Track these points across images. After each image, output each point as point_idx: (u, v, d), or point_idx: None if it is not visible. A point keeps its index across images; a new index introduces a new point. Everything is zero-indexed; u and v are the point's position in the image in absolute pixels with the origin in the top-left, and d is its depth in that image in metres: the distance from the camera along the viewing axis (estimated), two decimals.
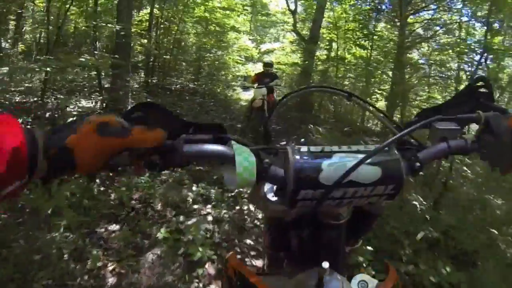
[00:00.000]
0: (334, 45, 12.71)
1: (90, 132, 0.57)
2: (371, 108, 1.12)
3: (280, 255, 1.02)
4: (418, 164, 0.74)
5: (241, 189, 4.15)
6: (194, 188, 4.39)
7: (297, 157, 0.68)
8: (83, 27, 8.21)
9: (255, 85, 7.34)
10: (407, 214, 3.91)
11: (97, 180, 4.06)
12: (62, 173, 0.58)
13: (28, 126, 0.75)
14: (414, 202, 4.12)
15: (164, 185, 4.39)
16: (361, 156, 0.67)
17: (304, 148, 0.70)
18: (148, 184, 4.21)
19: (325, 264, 0.74)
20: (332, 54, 12.86)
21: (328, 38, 13.11)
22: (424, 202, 4.23)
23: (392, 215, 3.80)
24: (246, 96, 16.94)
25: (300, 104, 11.14)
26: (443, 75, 9.74)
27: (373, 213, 0.95)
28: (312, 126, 8.63)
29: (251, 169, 0.67)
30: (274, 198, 0.80)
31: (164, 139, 0.65)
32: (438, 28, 10.19)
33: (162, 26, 10.94)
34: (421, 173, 0.76)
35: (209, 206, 4.09)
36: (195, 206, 4.01)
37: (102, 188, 4.00)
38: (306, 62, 11.66)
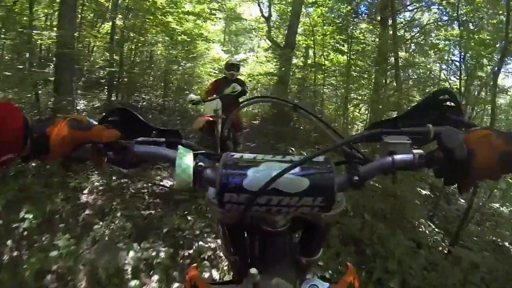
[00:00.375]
0: (311, 52, 12.02)
1: (63, 124, 0.74)
2: (315, 119, 1.12)
3: (236, 260, 0.99)
4: (356, 178, 0.74)
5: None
6: (135, 246, 3.37)
7: (228, 161, 0.75)
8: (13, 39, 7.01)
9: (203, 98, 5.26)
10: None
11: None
12: (40, 154, 0.73)
13: None
14: None
15: (95, 245, 3.33)
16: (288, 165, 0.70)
17: (237, 155, 0.78)
18: (69, 249, 3.16)
19: (253, 270, 0.78)
20: (309, 61, 12.12)
21: (304, 44, 12.47)
22: None
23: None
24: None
25: (276, 116, 10.41)
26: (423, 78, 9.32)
27: (318, 225, 0.91)
28: (290, 148, 7.93)
29: (188, 171, 0.75)
30: (214, 200, 0.79)
31: (117, 138, 0.79)
32: (415, 30, 9.95)
33: (126, 38, 10.03)
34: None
35: (155, 278, 3.09)
36: (133, 284, 2.98)
37: (15, 253, 3.10)
38: (283, 69, 10.88)
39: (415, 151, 0.76)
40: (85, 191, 4.28)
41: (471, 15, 7.50)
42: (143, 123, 0.90)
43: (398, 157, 0.76)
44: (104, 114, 0.90)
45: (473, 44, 6.78)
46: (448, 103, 0.89)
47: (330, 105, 11.22)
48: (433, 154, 0.74)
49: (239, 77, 6.03)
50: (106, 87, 9.88)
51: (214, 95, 5.15)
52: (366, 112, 10.43)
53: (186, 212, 4.08)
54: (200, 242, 3.56)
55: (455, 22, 8.20)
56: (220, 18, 10.75)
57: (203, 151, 0.84)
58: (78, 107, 7.51)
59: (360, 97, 10.21)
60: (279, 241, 0.90)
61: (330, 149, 0.77)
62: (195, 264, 1.12)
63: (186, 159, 0.76)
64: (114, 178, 4.68)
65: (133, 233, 3.61)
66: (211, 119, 4.84)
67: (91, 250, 3.28)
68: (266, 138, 9.19)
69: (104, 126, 0.79)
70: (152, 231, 3.68)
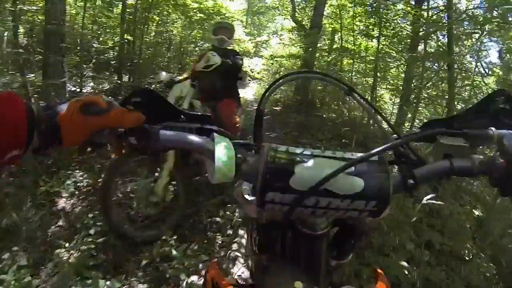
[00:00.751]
0: (337, 37, 11.21)
1: (75, 111, 0.66)
2: (370, 107, 0.98)
3: (264, 261, 0.86)
4: (411, 181, 0.70)
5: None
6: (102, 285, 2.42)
7: (271, 156, 0.67)
8: None
9: (178, 77, 3.84)
10: None
11: None
12: (51, 145, 0.66)
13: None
14: None
15: (55, 277, 2.44)
16: (342, 163, 0.64)
17: (282, 148, 0.70)
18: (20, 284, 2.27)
19: (298, 284, 0.72)
20: (335, 46, 11.29)
21: (331, 28, 11.64)
22: None
23: None
24: (242, 94, 15.68)
25: (299, 104, 9.69)
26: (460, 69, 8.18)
27: (358, 229, 0.83)
28: (317, 142, 7.03)
29: (230, 164, 0.67)
30: (250, 197, 0.78)
31: (141, 122, 0.72)
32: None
33: (139, 17, 9.34)
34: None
35: None
36: None
37: None
38: (310, 49, 10.05)
39: (474, 156, 0.72)
40: (65, 194, 3.59)
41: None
42: (170, 106, 0.82)
43: (457, 161, 0.72)
44: (126, 95, 0.79)
45: None
46: (503, 105, 0.80)
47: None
48: (494, 160, 0.69)
49: (232, 46, 4.49)
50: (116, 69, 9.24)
51: (185, 75, 3.82)
52: (394, 102, 9.61)
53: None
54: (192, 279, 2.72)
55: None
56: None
57: (241, 141, 0.76)
58: (80, 90, 6.90)
59: (389, 87, 9.38)
60: (316, 245, 0.80)
61: (387, 148, 0.68)
62: (215, 260, 1.03)
63: (227, 150, 0.68)
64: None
65: (106, 260, 2.79)
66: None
67: (48, 284, 2.40)
68: (288, 128, 8.39)
69: (126, 109, 0.73)
70: (127, 265, 2.79)
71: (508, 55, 6.70)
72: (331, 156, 0.68)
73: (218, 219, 3.62)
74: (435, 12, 8.61)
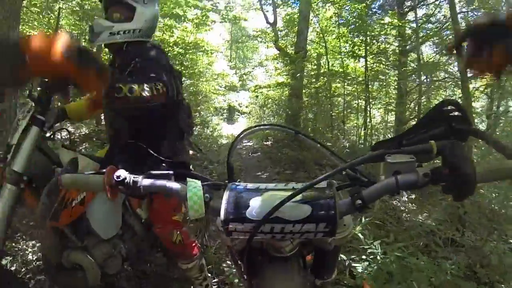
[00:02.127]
0: (324, 61, 10.89)
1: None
2: (316, 144, 1.16)
3: (250, 284, 1.02)
4: (359, 201, 0.75)
5: None
6: None
7: (232, 192, 0.81)
8: None
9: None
10: None
11: None
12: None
13: None
14: None
15: None
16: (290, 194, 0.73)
17: (241, 185, 0.84)
18: None
19: None
20: (322, 70, 11.00)
21: (316, 53, 11.40)
22: None
23: None
24: (231, 130, 15.33)
25: (292, 137, 9.24)
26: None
27: (324, 249, 0.95)
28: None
29: (200, 203, 0.80)
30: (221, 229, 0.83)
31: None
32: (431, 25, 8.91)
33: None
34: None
35: None
36: None
37: None
38: (298, 75, 9.70)
39: (419, 169, 0.75)
40: None
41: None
42: (152, 156, 1.10)
43: (402, 177, 0.76)
44: (111, 148, 1.13)
45: None
46: (453, 113, 0.90)
47: (350, 115, 9.95)
48: (438, 171, 0.73)
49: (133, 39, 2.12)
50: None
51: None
52: (391, 118, 9.27)
53: None
54: None
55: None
56: (214, 22, 9.53)
57: (210, 182, 0.88)
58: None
59: (382, 106, 9.01)
60: (288, 265, 0.92)
61: (330, 174, 0.78)
62: None
63: (197, 192, 0.81)
64: None
65: None
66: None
67: None
68: (281, 165, 7.82)
69: (113, 167, 0.88)
70: None
71: None
72: (282, 188, 0.82)
73: None
74: (422, 23, 8.47)
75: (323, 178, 0.77)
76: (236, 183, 0.86)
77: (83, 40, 9.75)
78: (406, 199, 5.37)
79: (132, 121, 2.01)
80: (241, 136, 1.15)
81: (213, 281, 3.09)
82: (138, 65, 1.91)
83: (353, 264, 2.93)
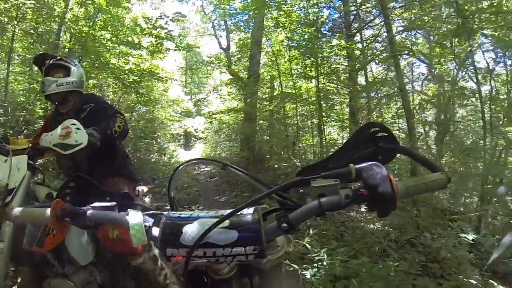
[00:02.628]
0: (277, 83, 11.06)
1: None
2: (243, 174, 1.37)
3: None
4: (285, 224, 0.82)
5: None
6: None
7: (167, 221, 0.87)
8: None
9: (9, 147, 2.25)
10: None
11: None
12: None
13: None
14: None
15: None
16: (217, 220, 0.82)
17: (176, 214, 0.90)
18: None
19: None
20: (275, 93, 11.17)
21: (269, 76, 11.61)
22: None
23: None
24: (188, 156, 15.24)
25: (250, 155, 9.34)
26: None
27: (261, 269, 0.96)
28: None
29: (142, 231, 0.87)
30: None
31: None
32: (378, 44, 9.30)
33: None
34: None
35: None
36: None
37: None
38: (248, 100, 9.84)
39: (341, 191, 0.80)
40: None
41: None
42: (98, 188, 1.08)
43: (324, 199, 0.81)
44: (64, 182, 1.15)
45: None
46: (380, 134, 0.96)
47: (305, 135, 10.11)
48: (357, 192, 0.79)
49: (72, 89, 2.77)
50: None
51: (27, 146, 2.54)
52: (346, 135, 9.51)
53: None
54: None
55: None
56: (168, 49, 9.55)
57: (151, 212, 0.96)
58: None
59: (335, 123, 9.25)
60: (231, 286, 0.98)
61: (254, 201, 0.83)
62: None
63: (137, 221, 0.88)
64: None
65: None
66: None
67: None
68: (239, 188, 7.91)
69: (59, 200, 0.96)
70: None
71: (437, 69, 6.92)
72: (212, 216, 0.86)
73: None
74: (369, 43, 8.86)
75: (247, 205, 0.84)
76: (172, 212, 0.92)
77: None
78: (364, 209, 5.57)
79: (91, 155, 2.55)
80: (176, 171, 1.29)
81: None
82: (93, 108, 2.66)
83: (303, 272, 3.08)
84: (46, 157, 2.92)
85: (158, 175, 9.62)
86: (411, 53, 6.70)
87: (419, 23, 6.77)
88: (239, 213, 0.85)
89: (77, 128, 2.00)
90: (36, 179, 2.39)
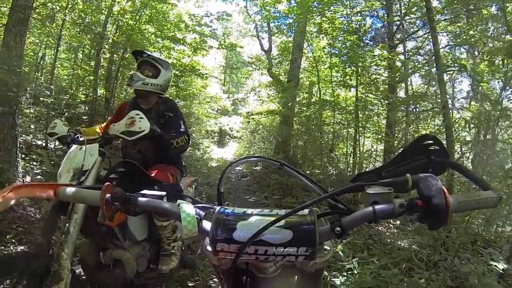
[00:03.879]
0: (315, 89, 10.99)
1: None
2: (299, 175, 1.31)
3: None
4: (338, 228, 0.82)
5: None
6: None
7: (220, 215, 0.86)
8: None
9: (81, 136, 2.81)
10: None
11: None
12: None
13: None
14: None
15: None
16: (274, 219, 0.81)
17: (229, 209, 0.89)
18: None
19: None
20: (313, 99, 11.09)
21: (308, 81, 11.55)
22: None
23: None
24: (221, 154, 15.35)
25: (282, 160, 9.27)
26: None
27: (304, 271, 0.95)
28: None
29: (193, 223, 0.88)
30: (209, 248, 0.88)
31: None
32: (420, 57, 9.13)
33: (114, 71, 9.08)
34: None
35: None
36: None
37: None
38: (289, 104, 9.80)
39: (396, 200, 0.81)
40: None
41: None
42: (147, 176, 1.11)
43: (379, 207, 0.81)
44: (112, 166, 1.17)
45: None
46: (432, 147, 0.96)
47: (339, 144, 10.00)
48: (412, 202, 0.79)
49: (156, 91, 3.12)
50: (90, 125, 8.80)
51: (100, 135, 2.95)
52: (380, 147, 9.35)
53: None
54: None
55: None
56: (211, 47, 9.68)
57: (201, 205, 0.98)
58: (45, 144, 6.41)
59: (371, 135, 9.12)
60: (271, 286, 0.96)
61: (311, 203, 0.85)
62: None
63: (190, 213, 0.89)
64: None
65: None
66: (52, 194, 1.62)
67: None
68: (269, 190, 7.95)
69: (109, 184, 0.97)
70: None
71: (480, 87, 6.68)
72: (267, 214, 0.87)
73: None
74: (411, 55, 8.67)
75: (305, 206, 0.85)
76: (225, 207, 0.91)
77: (81, 52, 9.88)
78: (392, 225, 5.49)
79: (155, 146, 3.02)
80: (230, 167, 1.25)
81: None
82: (171, 118, 3.03)
83: (333, 279, 3.08)
84: (116, 141, 3.30)
85: (191, 169, 9.71)
86: (461, 68, 6.46)
87: (465, 37, 6.57)
88: (295, 214, 0.84)
89: (141, 118, 2.44)
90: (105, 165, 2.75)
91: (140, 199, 0.94)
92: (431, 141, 0.96)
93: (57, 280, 2.04)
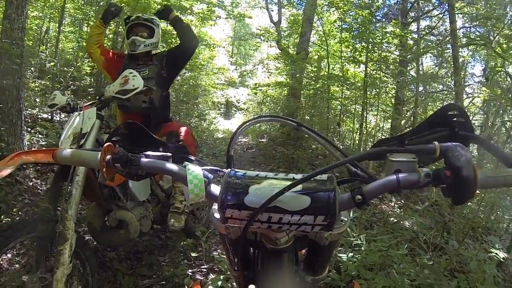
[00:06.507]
0: (324, 64, 10.89)
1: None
2: (319, 137, 1.20)
3: (240, 275, 1.01)
4: (359, 196, 0.75)
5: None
6: None
7: (230, 178, 0.79)
8: None
9: (82, 104, 2.83)
10: None
11: None
12: None
13: None
14: None
15: None
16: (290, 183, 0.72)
17: (241, 172, 0.82)
18: None
19: (252, 287, 0.89)
20: (322, 73, 10.97)
21: (317, 55, 11.42)
22: None
23: None
24: (228, 125, 15.34)
25: (286, 136, 9.29)
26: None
27: (321, 244, 0.91)
28: None
29: (201, 186, 0.80)
30: (217, 215, 0.83)
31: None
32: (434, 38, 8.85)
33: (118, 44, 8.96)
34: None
35: None
36: None
37: None
38: (297, 75, 9.70)
39: (421, 169, 0.75)
40: None
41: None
42: (151, 137, 0.99)
43: (403, 175, 0.75)
44: (114, 127, 1.08)
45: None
46: (457, 118, 0.90)
47: (345, 120, 9.96)
48: (439, 172, 0.72)
49: (154, 49, 3.42)
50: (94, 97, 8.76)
51: (95, 100, 2.89)
52: (386, 126, 9.31)
53: None
54: None
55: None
56: (219, 17, 9.54)
57: (209, 167, 0.88)
58: (51, 117, 6.40)
59: (379, 113, 9.05)
60: (281, 258, 0.92)
61: (331, 167, 0.78)
62: (199, 279, 1.29)
63: (197, 175, 0.81)
64: None
65: None
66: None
67: None
68: (275, 162, 7.93)
69: (111, 143, 0.91)
70: None
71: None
72: (282, 178, 0.79)
73: None
74: (424, 34, 8.51)
75: (324, 170, 0.76)
76: (236, 170, 0.83)
77: (86, 24, 9.77)
78: (396, 205, 5.49)
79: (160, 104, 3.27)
80: (244, 126, 1.17)
81: (203, 267, 3.22)
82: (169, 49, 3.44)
83: (339, 255, 3.05)
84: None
85: (197, 140, 9.71)
86: (484, 43, 6.26)
87: (482, 19, 6.39)
88: (312, 178, 0.76)
89: (134, 76, 2.52)
90: (104, 129, 2.79)
91: (143, 159, 0.88)
92: (456, 112, 0.90)
93: (62, 240, 2.14)
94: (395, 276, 2.77)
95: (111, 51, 3.55)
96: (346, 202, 0.76)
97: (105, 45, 3.58)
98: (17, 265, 2.79)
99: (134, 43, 3.21)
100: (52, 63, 8.09)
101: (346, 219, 0.87)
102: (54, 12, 9.04)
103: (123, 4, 8.05)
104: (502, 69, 5.41)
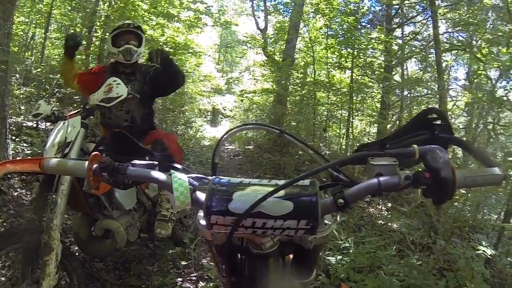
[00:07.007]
0: (310, 70, 10.93)
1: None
2: (301, 143, 1.24)
3: (227, 281, 1.04)
4: (341, 200, 0.77)
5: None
6: None
7: (215, 185, 0.80)
8: None
9: (67, 113, 2.79)
10: None
11: None
12: None
13: None
14: None
15: None
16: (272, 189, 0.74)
17: (225, 179, 0.83)
18: None
19: None
20: (308, 79, 11.03)
21: (303, 61, 11.48)
22: None
23: None
24: (214, 133, 15.32)
25: (273, 143, 9.32)
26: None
27: (306, 248, 0.92)
28: None
29: (186, 194, 0.81)
30: (203, 222, 0.83)
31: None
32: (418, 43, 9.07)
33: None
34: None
35: None
36: None
37: None
38: (283, 82, 9.74)
39: (401, 172, 0.78)
40: None
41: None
42: (137, 146, 0.99)
43: (384, 178, 0.78)
44: (101, 137, 1.30)
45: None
46: (437, 121, 0.91)
47: (332, 125, 10.02)
48: (419, 174, 0.75)
49: (141, 60, 3.39)
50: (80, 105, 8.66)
51: (80, 109, 2.80)
52: (373, 130, 9.38)
53: None
54: None
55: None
56: (206, 25, 9.58)
57: (195, 175, 0.89)
58: (36, 125, 6.33)
59: (365, 118, 9.13)
60: (268, 263, 0.93)
61: (313, 172, 0.81)
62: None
63: (183, 182, 0.82)
64: None
65: None
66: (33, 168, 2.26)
67: None
68: (262, 169, 7.96)
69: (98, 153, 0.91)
70: None
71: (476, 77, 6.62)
72: (266, 184, 0.81)
73: None
74: (409, 40, 8.62)
75: (306, 175, 0.78)
76: (220, 177, 0.85)
77: (72, 30, 9.71)
78: (383, 208, 5.54)
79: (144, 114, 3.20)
80: (229, 133, 1.18)
81: (192, 275, 3.20)
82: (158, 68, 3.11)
83: (328, 258, 3.08)
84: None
85: (183, 148, 9.69)
86: (465, 48, 6.33)
87: (464, 24, 6.51)
88: (295, 184, 0.78)
89: (118, 84, 2.54)
90: (89, 137, 2.87)
91: (130, 168, 0.89)
92: (435, 115, 0.92)
93: (48, 251, 2.10)
94: (383, 277, 2.79)
95: (87, 73, 3.47)
96: (329, 206, 0.78)
97: (81, 69, 3.54)
98: (2, 278, 2.73)
99: (130, 52, 3.09)
100: (38, 69, 8.01)
101: (329, 223, 0.88)
102: (40, 18, 8.97)
103: (108, 13, 8.06)
104: (484, 72, 5.52)
